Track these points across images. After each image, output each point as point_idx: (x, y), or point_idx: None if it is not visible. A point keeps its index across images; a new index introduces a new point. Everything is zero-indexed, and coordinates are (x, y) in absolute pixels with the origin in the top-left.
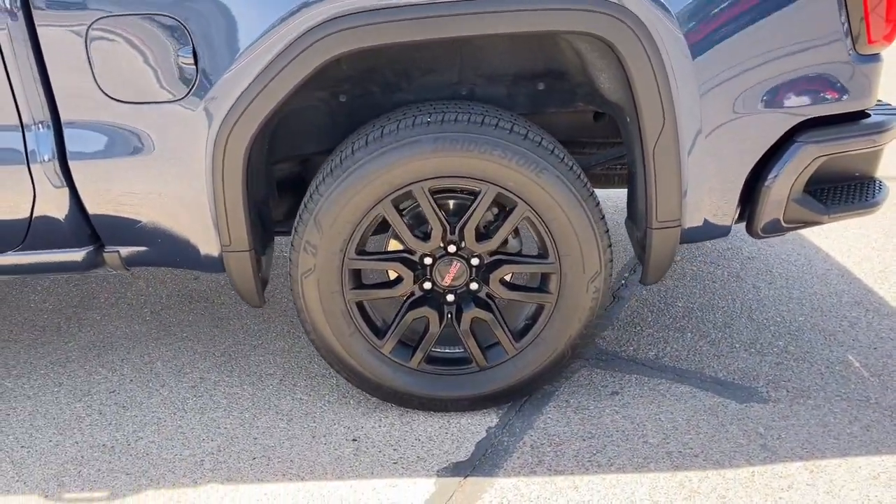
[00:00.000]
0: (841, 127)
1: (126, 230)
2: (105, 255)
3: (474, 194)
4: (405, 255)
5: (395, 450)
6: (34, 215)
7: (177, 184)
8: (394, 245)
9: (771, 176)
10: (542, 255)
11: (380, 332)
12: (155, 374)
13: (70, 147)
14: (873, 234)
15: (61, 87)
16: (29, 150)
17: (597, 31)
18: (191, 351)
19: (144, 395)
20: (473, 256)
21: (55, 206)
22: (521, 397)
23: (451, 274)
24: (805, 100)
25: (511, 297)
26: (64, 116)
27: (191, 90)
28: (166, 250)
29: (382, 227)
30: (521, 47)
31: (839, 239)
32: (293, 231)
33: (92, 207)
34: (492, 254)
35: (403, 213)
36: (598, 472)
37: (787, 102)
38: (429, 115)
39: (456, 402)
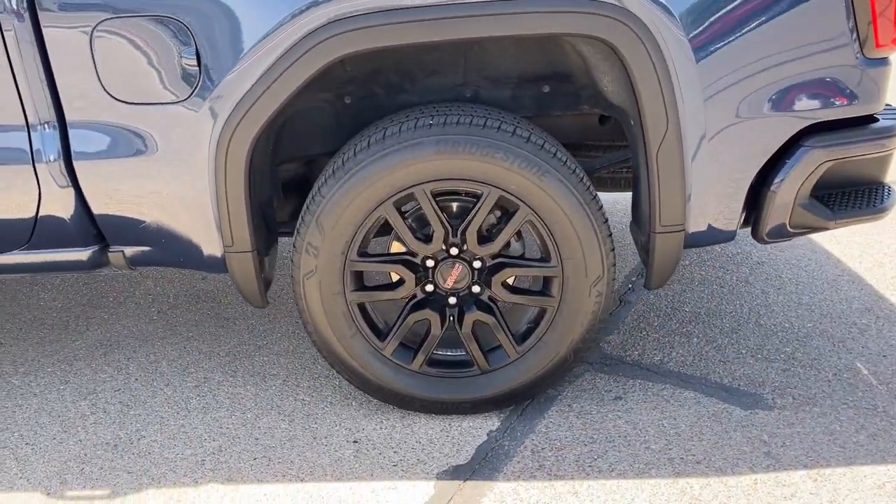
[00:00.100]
0: (849, 131)
1: (130, 230)
2: (110, 254)
3: (477, 197)
4: (407, 257)
5: (395, 452)
6: (39, 215)
7: (180, 184)
8: (396, 247)
9: (777, 180)
10: (545, 258)
11: (381, 334)
12: (160, 373)
13: (75, 147)
14: (886, 239)
15: (66, 88)
16: (34, 150)
17: (599, 33)
18: (196, 351)
19: (149, 394)
20: (475, 259)
21: (60, 205)
22: (523, 401)
23: (453, 276)
24: (811, 104)
25: (513, 301)
26: (69, 117)
27: (194, 91)
28: (170, 250)
29: (385, 229)
30: (525, 50)
31: (851, 244)
32: (295, 232)
33: (96, 207)
34: (494, 257)
35: (406, 215)
36: (598, 477)
37: (793, 106)
38: (431, 118)
39: (457, 405)
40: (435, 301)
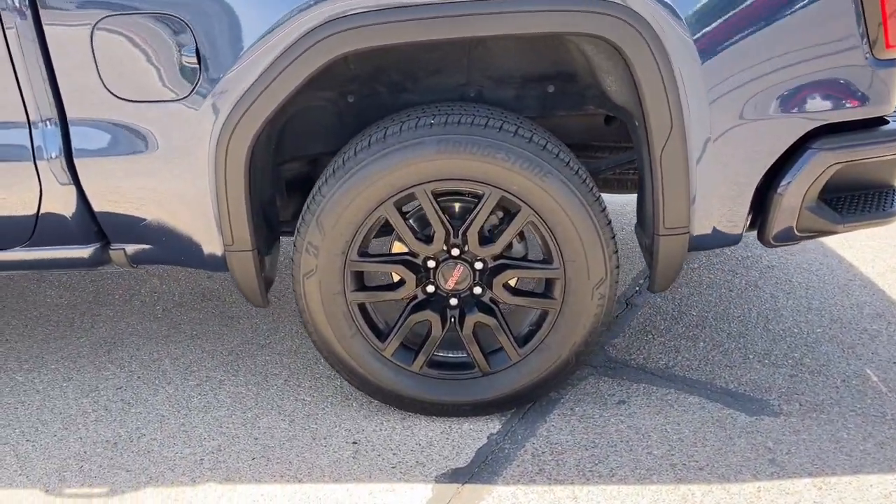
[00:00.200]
0: (858, 134)
1: (131, 228)
2: (111, 252)
3: (479, 198)
4: (408, 257)
5: (394, 454)
6: (41, 212)
7: (180, 182)
8: (398, 247)
9: (783, 183)
10: (547, 260)
11: (382, 335)
12: (162, 371)
13: (76, 144)
14: None
15: (67, 85)
16: (35, 147)
17: (602, 33)
18: (199, 349)
19: (150, 392)
20: (477, 260)
21: (61, 203)
22: (524, 404)
23: (454, 277)
24: (819, 105)
25: (514, 303)
26: (70, 114)
27: (194, 89)
28: (171, 249)
29: (387, 229)
30: (529, 49)
31: (864, 248)
32: (296, 231)
33: (97, 205)
34: (495, 258)
35: (407, 215)
36: (598, 482)
37: (800, 108)
38: (432, 117)
39: (458, 407)
40: (436, 302)
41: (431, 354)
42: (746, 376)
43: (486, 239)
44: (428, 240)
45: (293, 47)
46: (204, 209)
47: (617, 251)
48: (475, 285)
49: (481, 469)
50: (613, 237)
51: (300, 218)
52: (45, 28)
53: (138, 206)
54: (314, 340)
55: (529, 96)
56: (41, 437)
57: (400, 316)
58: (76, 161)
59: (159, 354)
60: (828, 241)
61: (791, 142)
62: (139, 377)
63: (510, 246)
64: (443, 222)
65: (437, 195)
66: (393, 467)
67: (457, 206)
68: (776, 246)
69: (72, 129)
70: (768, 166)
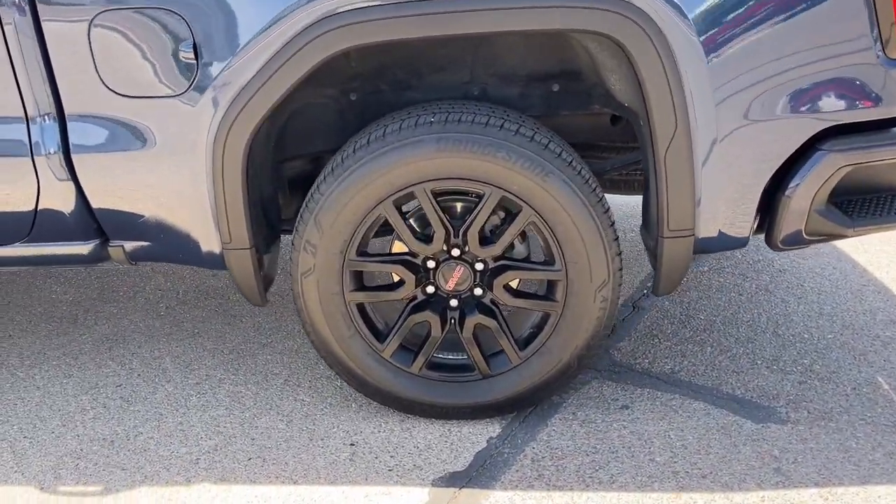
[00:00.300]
0: (869, 135)
1: (129, 224)
2: (110, 249)
3: (480, 197)
4: (407, 257)
5: (391, 457)
6: (39, 208)
7: (177, 179)
8: (398, 247)
9: (792, 185)
10: (548, 261)
11: (381, 336)
12: (162, 369)
13: (73, 140)
14: None
15: (65, 81)
16: (33, 143)
17: (606, 30)
18: (200, 347)
19: (149, 391)
20: (477, 261)
21: (59, 199)
22: (525, 408)
23: (454, 278)
24: (829, 105)
25: (515, 304)
26: (67, 110)
27: (191, 85)
28: (169, 246)
29: (387, 228)
30: (534, 47)
31: (879, 253)
32: (294, 230)
33: (95, 201)
34: (496, 259)
35: (407, 215)
36: (598, 489)
37: (809, 108)
38: (432, 115)
39: (457, 409)
40: (436, 303)
41: (431, 356)
42: (754, 382)
43: (486, 239)
44: (427, 240)
45: (290, 44)
46: (202, 206)
47: (620, 253)
48: (475, 286)
49: (479, 473)
50: (616, 238)
51: (298, 216)
52: (43, 24)
53: (136, 202)
54: (312, 340)
55: (534, 95)
56: (39, 434)
57: (399, 317)
58: (74, 157)
59: (160, 352)
60: (842, 244)
61: (800, 143)
62: (139, 375)
63: (512, 247)
64: (442, 222)
65: (438, 194)
66: (390, 470)
67: (458, 205)
68: (784, 250)
69: (69, 125)
70: (776, 168)
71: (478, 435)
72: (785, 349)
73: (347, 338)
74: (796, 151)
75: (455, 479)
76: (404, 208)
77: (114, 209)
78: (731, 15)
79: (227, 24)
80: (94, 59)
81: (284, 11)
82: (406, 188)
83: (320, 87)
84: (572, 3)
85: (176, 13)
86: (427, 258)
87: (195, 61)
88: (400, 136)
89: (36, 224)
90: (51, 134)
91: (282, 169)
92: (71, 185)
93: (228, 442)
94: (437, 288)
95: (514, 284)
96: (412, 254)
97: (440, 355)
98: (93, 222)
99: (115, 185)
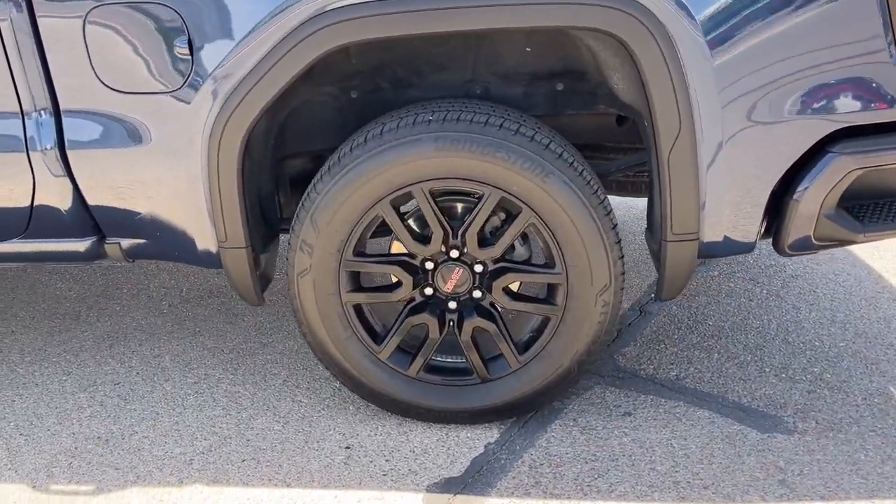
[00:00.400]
0: (881, 138)
1: (125, 222)
2: (106, 246)
3: (480, 198)
4: (405, 258)
5: (387, 461)
6: (35, 203)
7: (173, 177)
8: (397, 248)
9: (800, 189)
10: (548, 264)
11: (378, 338)
12: (161, 368)
13: (68, 136)
14: None
15: (60, 77)
16: (28, 138)
17: (608, 27)
18: (200, 346)
19: (147, 389)
20: (477, 263)
21: (55, 195)
22: (523, 413)
23: (452, 280)
24: (840, 106)
25: (514, 308)
26: (63, 105)
27: (186, 81)
28: (165, 244)
29: (387, 228)
30: (537, 45)
31: (895, 259)
32: (290, 229)
33: (91, 198)
34: (496, 261)
35: (406, 215)
36: (596, 497)
37: (819, 109)
38: (431, 114)
39: (455, 414)
40: (434, 305)
41: (429, 359)
42: (761, 391)
43: (485, 241)
44: (426, 240)
45: (285, 40)
46: (197, 204)
47: (622, 256)
48: (475, 289)
49: (475, 480)
50: (619, 242)
51: (295, 215)
52: (39, 19)
53: (132, 199)
54: (308, 342)
55: (538, 94)
56: (35, 432)
57: (397, 319)
58: (69, 153)
59: (160, 350)
60: (857, 250)
61: (809, 145)
62: (138, 373)
63: (512, 249)
64: (441, 223)
65: (439, 194)
66: (384, 474)
67: (459, 206)
68: (792, 255)
69: (64, 121)
70: (784, 171)
71: (475, 440)
72: (794, 357)
73: (344, 339)
74: (805, 154)
75: (450, 485)
76: (404, 208)
77: (110, 206)
78: (739, 13)
79: (222, 19)
80: (89, 55)
81: (279, 7)
82: (404, 188)
83: (320, 85)
84: (574, 0)
85: (170, 8)
86: (425, 259)
87: (190, 57)
88: (397, 134)
89: (32, 220)
90: (46, 129)
91: (283, 167)
92: (66, 181)
93: (223, 443)
94: (435, 290)
95: (514, 287)
96: (410, 255)
97: (438, 358)
98: (89, 219)
99: (110, 182)
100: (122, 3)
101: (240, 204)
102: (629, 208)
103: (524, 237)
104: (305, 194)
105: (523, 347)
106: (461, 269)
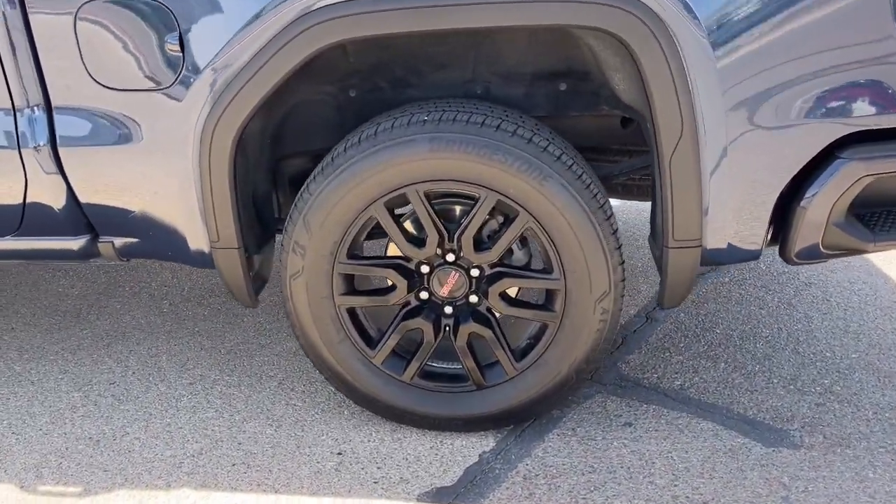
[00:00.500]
0: (894, 143)
1: (117, 220)
2: (99, 245)
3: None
4: (400, 262)
5: (378, 468)
6: (27, 201)
7: (165, 176)
8: (393, 250)
9: (808, 195)
10: (546, 269)
11: (372, 342)
12: (158, 368)
13: (60, 133)
14: None
15: (52, 73)
16: (20, 135)
17: (608, 26)
18: (198, 346)
19: (142, 389)
20: (473, 267)
21: (48, 192)
22: (520, 421)
23: (448, 284)
24: (850, 110)
25: (511, 314)
26: (55, 102)
27: (177, 78)
28: (158, 243)
29: (383, 230)
30: (538, 44)
31: None
32: (283, 230)
33: (83, 196)
34: (493, 265)
35: (402, 217)
36: None
37: (829, 113)
38: (426, 114)
39: (450, 421)
40: (430, 310)
41: (424, 364)
42: (768, 403)
43: (482, 245)
44: (420, 243)
45: (277, 37)
46: (189, 204)
47: (623, 262)
48: (471, 293)
49: (467, 490)
50: (619, 247)
51: (288, 216)
52: (30, 14)
53: (124, 198)
54: (302, 345)
55: (540, 94)
56: (27, 431)
57: (391, 323)
58: (60, 150)
59: (158, 350)
60: (874, 258)
61: (817, 150)
62: (134, 373)
63: (510, 253)
64: (436, 226)
65: (437, 196)
66: (375, 482)
67: (457, 209)
68: (800, 263)
69: (56, 118)
70: (791, 176)
71: (470, 448)
72: (804, 368)
73: (337, 343)
74: (813, 159)
75: (441, 495)
76: (401, 210)
77: (102, 204)
78: (744, 12)
79: (214, 16)
80: (80, 51)
81: (270, 4)
82: (398, 189)
83: (318, 83)
84: None
85: (162, 4)
86: (421, 263)
87: (181, 54)
88: (392, 134)
89: (25, 218)
90: (37, 126)
91: (282, 167)
92: (59, 178)
93: (214, 446)
94: (430, 294)
95: (512, 293)
96: (405, 258)
97: (433, 364)
98: (82, 217)
99: (102, 180)
100: None
101: (232, 204)
102: (640, 212)
103: (523, 241)
104: (298, 195)
105: (520, 354)
106: (457, 274)
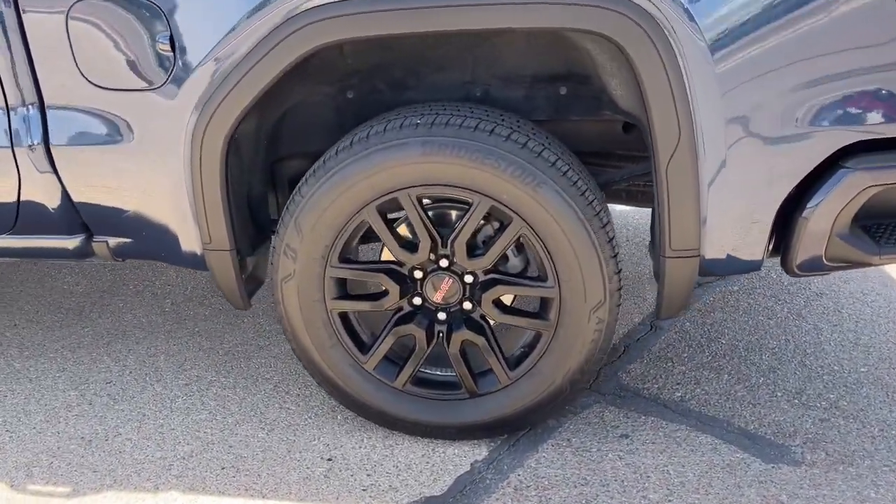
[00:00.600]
0: None
1: (111, 220)
2: (94, 244)
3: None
4: (393, 266)
5: (368, 475)
6: (21, 199)
7: (156, 176)
8: (388, 255)
9: (810, 205)
10: (541, 277)
11: (364, 347)
12: (155, 368)
13: (53, 132)
14: None
15: (45, 72)
16: (13, 134)
17: (602, 29)
18: (197, 347)
19: (137, 389)
20: (467, 273)
21: (42, 191)
22: (514, 430)
23: (442, 290)
24: (858, 118)
25: (504, 321)
26: (48, 101)
27: (168, 78)
28: (151, 244)
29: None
30: (538, 47)
31: None
32: (276, 232)
33: (75, 195)
34: (486, 272)
35: (397, 221)
36: None
37: (832, 120)
38: (420, 117)
39: (442, 429)
40: (423, 315)
41: (416, 371)
42: (770, 416)
43: (474, 251)
44: (413, 248)
45: (267, 38)
46: (181, 205)
47: (619, 272)
48: (465, 300)
49: (456, 500)
50: (615, 256)
51: (280, 219)
52: (23, 13)
53: (117, 197)
54: (293, 348)
55: (540, 97)
56: (21, 429)
57: (384, 328)
58: (53, 149)
59: (156, 350)
60: (891, 268)
61: (821, 159)
62: (131, 372)
63: (506, 259)
64: (428, 231)
65: (435, 200)
66: (364, 490)
67: (454, 213)
68: (802, 276)
69: (49, 117)
70: (793, 186)
71: (462, 457)
72: (810, 381)
73: (328, 347)
74: (817, 169)
75: None
76: (397, 214)
77: (95, 203)
78: (745, 15)
79: (204, 16)
80: (72, 50)
81: (260, 5)
82: (390, 193)
83: (315, 85)
84: (564, 0)
85: (152, 3)
86: (414, 268)
87: (171, 54)
88: (384, 138)
89: (20, 216)
90: (31, 125)
91: (281, 168)
92: (53, 177)
93: (205, 448)
94: (424, 300)
95: (507, 300)
96: (398, 263)
97: (426, 370)
98: (77, 217)
99: (94, 179)
100: None
101: (223, 205)
102: (648, 218)
103: (519, 248)
104: (290, 197)
105: (514, 363)
106: (451, 279)
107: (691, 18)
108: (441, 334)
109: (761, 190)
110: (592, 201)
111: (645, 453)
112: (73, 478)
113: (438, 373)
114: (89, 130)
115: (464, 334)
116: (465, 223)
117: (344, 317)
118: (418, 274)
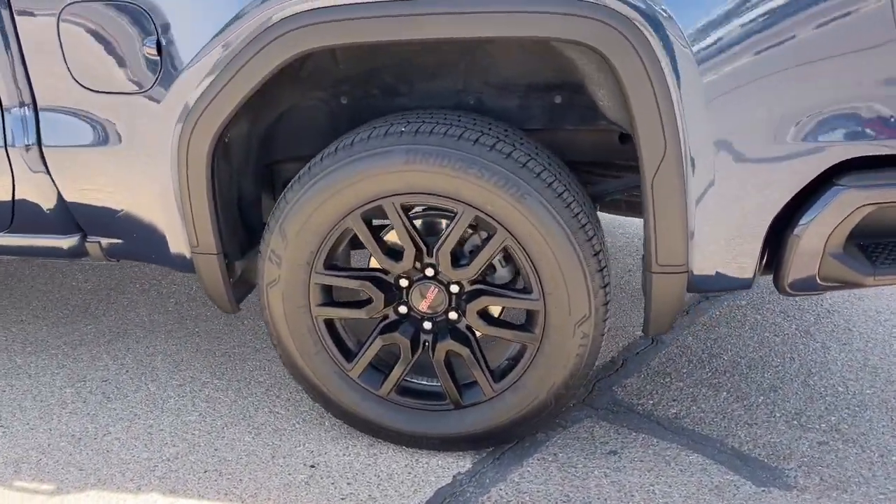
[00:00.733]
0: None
1: (102, 221)
2: (87, 244)
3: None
4: (378, 274)
5: (349, 484)
6: (16, 198)
7: (145, 179)
8: (375, 262)
9: (802, 223)
10: (526, 289)
11: (350, 354)
12: (152, 367)
13: (45, 134)
14: None
15: (37, 75)
16: (7, 134)
17: (585, 38)
18: (194, 348)
19: (132, 389)
20: (453, 283)
21: (36, 191)
22: (500, 443)
23: (427, 300)
24: (851, 133)
25: (489, 333)
26: (40, 103)
27: (156, 81)
28: (141, 245)
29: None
30: (530, 55)
31: None
32: (262, 238)
33: (68, 195)
34: (472, 282)
35: (384, 229)
36: None
37: (826, 135)
38: (405, 124)
39: (426, 439)
40: (408, 324)
41: (401, 380)
42: (766, 437)
43: (459, 261)
44: (398, 256)
45: (252, 43)
46: (169, 208)
47: (606, 286)
48: (451, 310)
49: None
50: (601, 270)
51: (266, 224)
52: (16, 15)
53: (108, 199)
54: (279, 354)
55: (534, 106)
56: (14, 425)
57: (369, 336)
58: (45, 150)
59: (155, 349)
60: None
61: (813, 176)
62: (128, 371)
63: (493, 270)
64: (413, 239)
65: (425, 209)
66: (342, 499)
67: (443, 222)
68: (794, 295)
69: (41, 118)
70: (784, 203)
71: (445, 469)
72: (812, 402)
73: (313, 354)
74: (809, 186)
75: None
76: (386, 221)
77: (87, 204)
78: (733, 24)
79: (190, 20)
80: (63, 52)
81: (244, 10)
82: (374, 201)
83: (308, 90)
84: (545, 9)
85: (139, 7)
86: (399, 276)
87: (158, 58)
88: (368, 145)
89: (15, 215)
90: (26, 126)
91: (279, 171)
92: (47, 178)
93: (191, 450)
94: (409, 308)
95: (495, 311)
96: (383, 271)
97: (412, 380)
98: (71, 217)
99: (86, 181)
100: (94, 0)
101: (210, 209)
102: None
103: (507, 259)
104: (276, 203)
105: (499, 375)
106: (436, 289)
107: (676, 27)
108: (426, 344)
109: (751, 206)
110: (578, 213)
111: (632, 471)
112: (59, 476)
113: (424, 382)
114: (80, 132)
115: (448, 345)
116: (450, 233)
117: (329, 324)
118: (404, 282)
